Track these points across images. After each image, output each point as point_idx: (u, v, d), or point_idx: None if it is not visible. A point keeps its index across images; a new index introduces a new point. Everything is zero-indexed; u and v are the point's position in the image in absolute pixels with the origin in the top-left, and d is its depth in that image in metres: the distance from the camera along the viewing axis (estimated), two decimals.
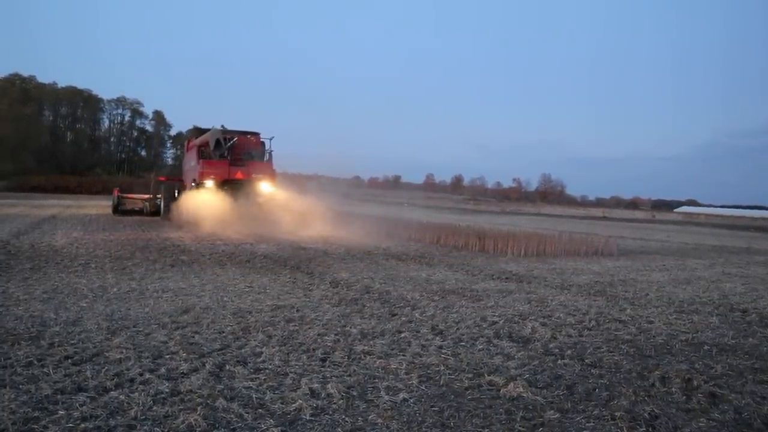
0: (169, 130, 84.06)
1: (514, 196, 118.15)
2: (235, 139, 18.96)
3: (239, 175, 18.49)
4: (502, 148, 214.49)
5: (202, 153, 19.03)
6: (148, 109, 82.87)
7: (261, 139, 20.04)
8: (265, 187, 18.67)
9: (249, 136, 19.78)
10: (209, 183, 18.13)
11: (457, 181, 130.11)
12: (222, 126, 19.53)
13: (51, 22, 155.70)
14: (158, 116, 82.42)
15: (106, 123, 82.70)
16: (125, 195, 24.02)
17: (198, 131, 21.67)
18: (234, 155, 18.82)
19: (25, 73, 73.58)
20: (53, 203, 32.01)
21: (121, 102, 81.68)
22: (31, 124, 66.74)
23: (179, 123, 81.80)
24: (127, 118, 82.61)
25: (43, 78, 75.49)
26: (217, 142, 18.51)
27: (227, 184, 18.24)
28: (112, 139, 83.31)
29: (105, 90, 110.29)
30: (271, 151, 19.84)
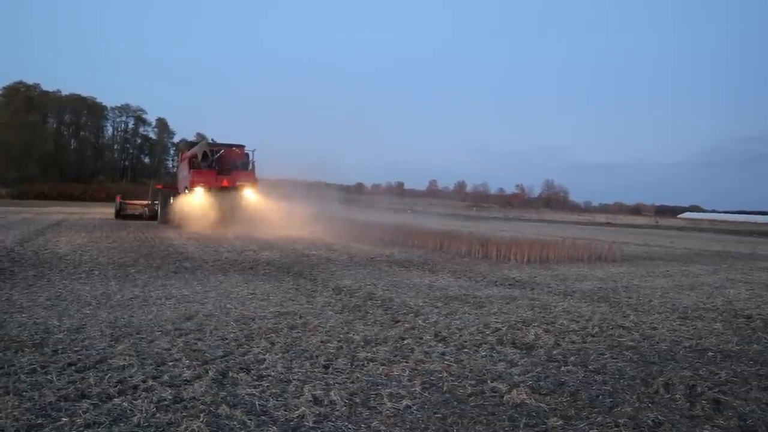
0: (173, 137, 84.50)
1: (517, 202, 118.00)
2: (221, 151, 21.21)
3: (225, 183, 20.42)
4: (505, 153, 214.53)
5: (193, 164, 20.88)
6: (151, 117, 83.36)
7: (245, 151, 22.21)
8: (248, 193, 20.51)
9: (234, 149, 22.04)
10: (198, 190, 20.13)
11: (461, 187, 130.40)
12: (212, 139, 22.71)
13: (54, 30, 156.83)
14: (161, 123, 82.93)
15: (110, 130, 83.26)
16: (127, 201, 25.91)
17: (190, 144, 25.33)
18: (220, 165, 20.94)
19: (30, 81, 74.08)
20: (58, 210, 32.15)
21: (124, 109, 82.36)
22: (35, 132, 67.28)
23: (182, 130, 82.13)
24: (130, 125, 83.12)
25: (47, 86, 75.91)
26: (204, 154, 20.85)
27: (214, 191, 20.14)
28: (115, 147, 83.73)
29: (109, 98, 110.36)
30: (254, 161, 21.92)
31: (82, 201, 52.42)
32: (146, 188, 36.83)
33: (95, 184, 63.98)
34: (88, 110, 78.80)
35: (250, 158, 21.86)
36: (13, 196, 54.24)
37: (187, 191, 20.96)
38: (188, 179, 20.81)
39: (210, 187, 20.20)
